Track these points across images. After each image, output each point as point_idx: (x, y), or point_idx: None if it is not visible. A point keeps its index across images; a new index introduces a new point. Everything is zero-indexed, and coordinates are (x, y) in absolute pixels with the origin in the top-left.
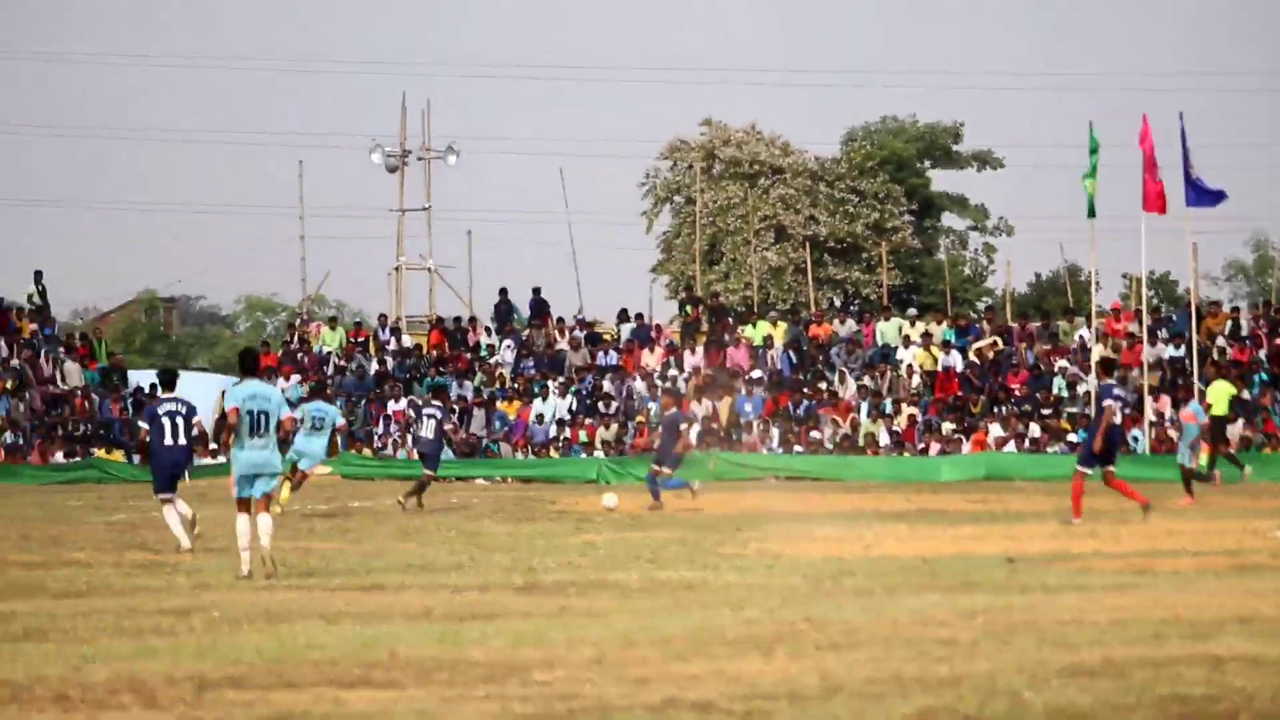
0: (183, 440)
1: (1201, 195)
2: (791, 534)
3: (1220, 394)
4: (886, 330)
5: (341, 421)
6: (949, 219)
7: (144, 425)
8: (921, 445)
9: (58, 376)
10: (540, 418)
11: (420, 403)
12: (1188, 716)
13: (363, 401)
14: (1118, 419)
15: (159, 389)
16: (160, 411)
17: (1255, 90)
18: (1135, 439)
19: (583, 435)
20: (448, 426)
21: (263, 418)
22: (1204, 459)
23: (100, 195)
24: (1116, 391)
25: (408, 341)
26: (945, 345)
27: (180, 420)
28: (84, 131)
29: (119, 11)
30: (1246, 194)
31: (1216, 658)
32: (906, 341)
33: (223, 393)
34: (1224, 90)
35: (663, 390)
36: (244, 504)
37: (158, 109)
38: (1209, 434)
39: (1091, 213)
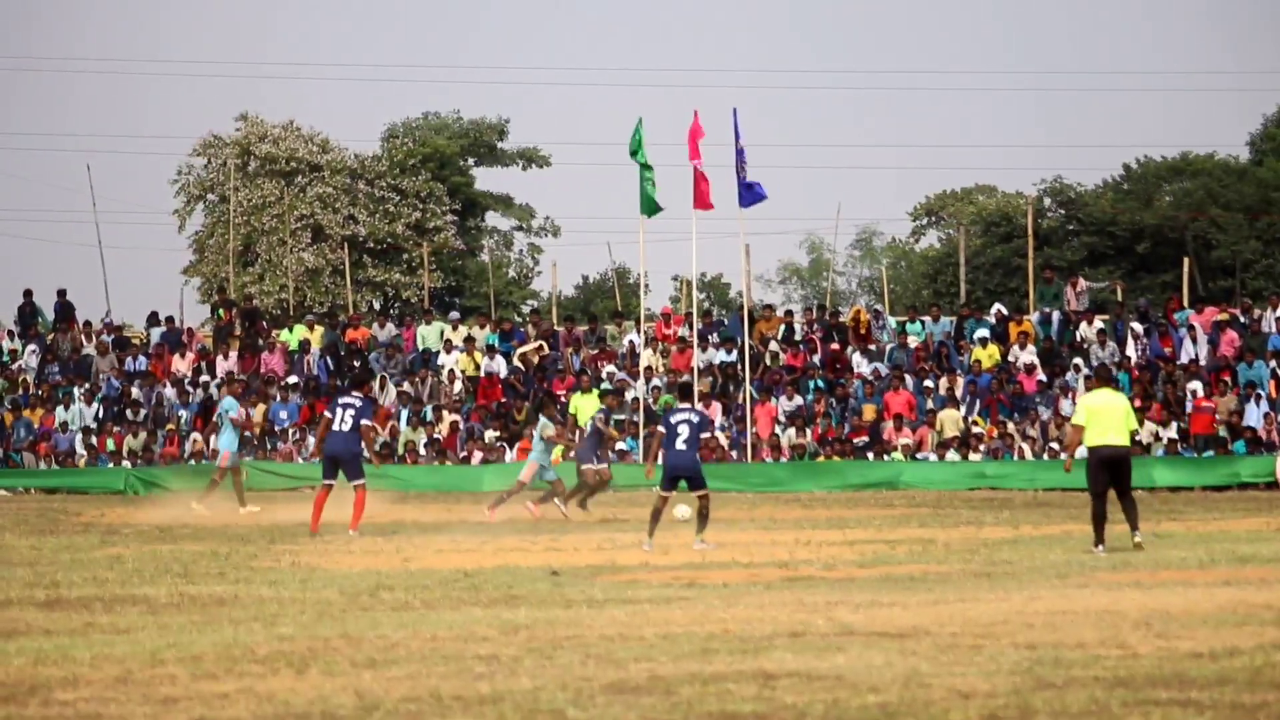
0: None
1: (753, 195)
2: (327, 547)
3: (584, 406)
4: (428, 334)
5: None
6: (493, 219)
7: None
8: (464, 453)
9: None
10: (65, 425)
11: None
12: None
13: None
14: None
15: None
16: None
17: (809, 88)
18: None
19: (110, 444)
20: None
21: None
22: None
23: None
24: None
25: None
26: (489, 350)
27: None
28: None
29: None
30: (800, 195)
31: (766, 673)
32: (448, 346)
33: None
34: (778, 88)
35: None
36: None
37: None
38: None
39: (653, 210)
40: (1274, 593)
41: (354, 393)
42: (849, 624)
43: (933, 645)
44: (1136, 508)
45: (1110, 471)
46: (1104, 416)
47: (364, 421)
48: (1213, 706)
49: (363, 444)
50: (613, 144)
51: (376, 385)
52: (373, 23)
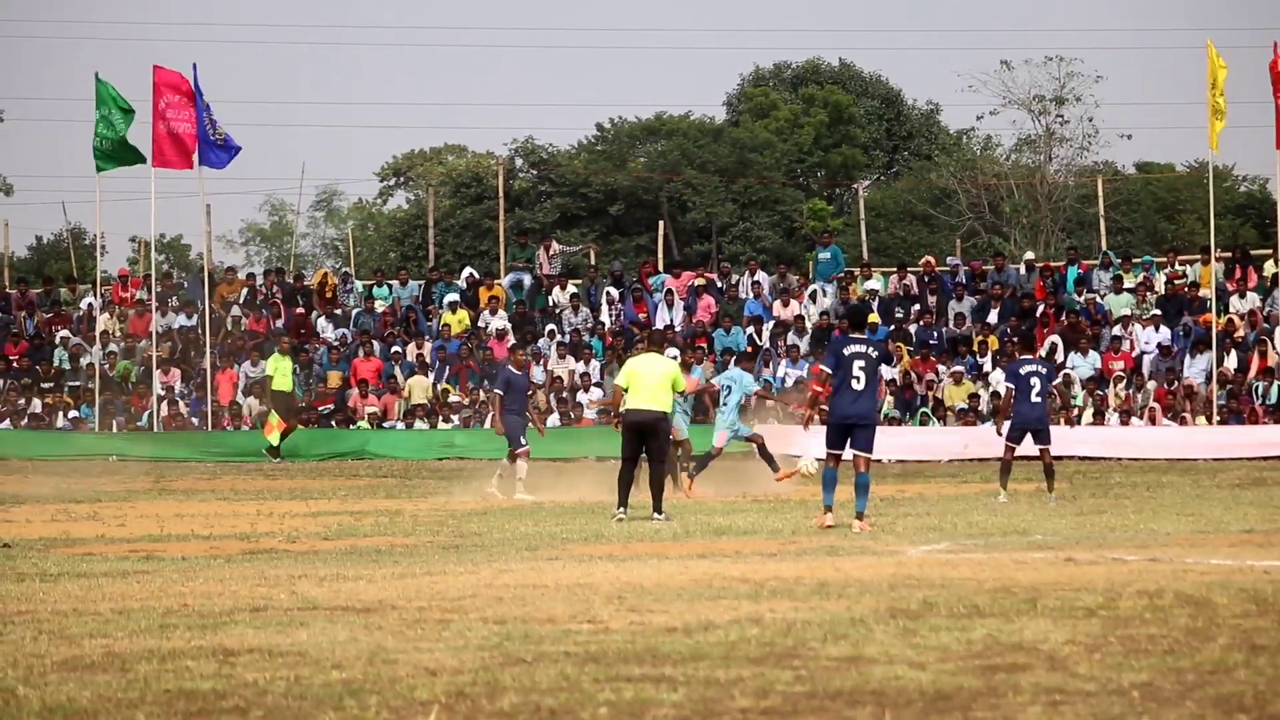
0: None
1: (217, 153)
2: None
3: (280, 367)
4: None
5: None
6: None
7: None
8: None
9: None
10: None
11: None
12: (195, 713)
13: None
14: None
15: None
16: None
17: (270, 43)
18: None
19: None
20: None
21: None
22: None
23: None
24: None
25: None
26: None
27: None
28: None
29: None
30: (261, 154)
31: (226, 649)
32: None
33: None
34: (240, 43)
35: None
36: None
37: None
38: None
39: (125, 161)
40: (749, 566)
41: None
42: (312, 598)
43: (399, 620)
44: (663, 484)
45: (640, 437)
46: (644, 381)
47: None
48: (686, 683)
49: None
50: (67, 99)
51: None
52: None
